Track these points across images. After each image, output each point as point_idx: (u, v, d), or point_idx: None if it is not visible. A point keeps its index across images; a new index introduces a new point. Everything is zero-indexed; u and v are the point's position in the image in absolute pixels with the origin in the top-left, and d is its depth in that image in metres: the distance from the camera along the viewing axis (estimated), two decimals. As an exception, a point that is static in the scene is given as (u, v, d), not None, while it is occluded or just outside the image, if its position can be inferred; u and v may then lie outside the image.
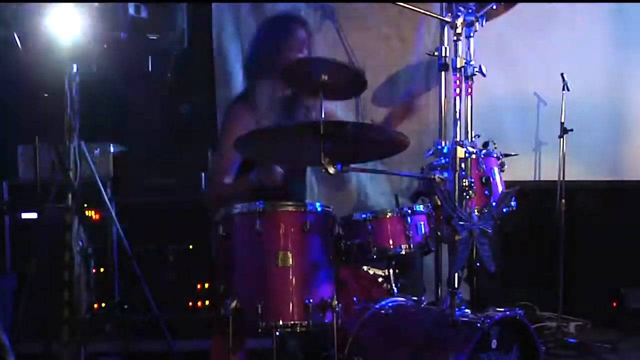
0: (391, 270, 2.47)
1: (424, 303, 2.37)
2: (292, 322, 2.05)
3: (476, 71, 2.22)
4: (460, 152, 2.15)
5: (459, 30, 2.20)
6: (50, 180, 3.02)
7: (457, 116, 2.21)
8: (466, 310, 2.10)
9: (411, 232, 2.40)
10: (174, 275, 3.53)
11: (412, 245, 2.41)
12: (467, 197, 2.15)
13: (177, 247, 3.54)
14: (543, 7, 4.23)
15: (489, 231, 2.12)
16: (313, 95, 2.12)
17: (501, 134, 3.12)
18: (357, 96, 2.73)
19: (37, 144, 2.97)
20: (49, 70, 2.77)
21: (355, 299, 2.37)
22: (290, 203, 2.13)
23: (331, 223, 2.19)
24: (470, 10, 2.20)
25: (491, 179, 2.46)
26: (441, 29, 2.48)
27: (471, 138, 2.26)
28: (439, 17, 2.34)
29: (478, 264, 2.15)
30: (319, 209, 2.15)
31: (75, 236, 2.77)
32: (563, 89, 3.83)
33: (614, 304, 4.20)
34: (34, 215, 3.39)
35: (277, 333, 2.08)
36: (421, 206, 2.49)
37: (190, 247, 3.55)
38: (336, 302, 2.07)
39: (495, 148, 2.57)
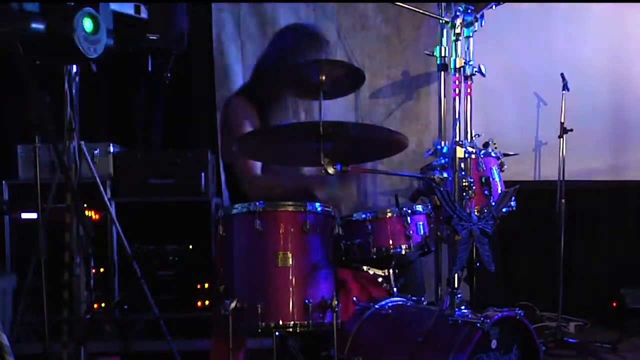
0: (391, 270, 2.47)
1: (424, 303, 2.38)
2: (292, 322, 2.05)
3: (475, 71, 2.22)
4: (460, 152, 2.15)
5: (458, 31, 2.21)
6: (50, 180, 3.01)
7: (457, 116, 2.22)
8: (466, 310, 2.10)
9: (411, 232, 2.41)
10: (174, 275, 3.53)
11: (412, 245, 2.41)
12: (467, 197, 2.15)
13: (177, 247, 3.54)
14: (543, 7, 4.24)
15: (489, 231, 2.12)
16: (313, 96, 2.12)
17: (501, 134, 3.12)
18: (356, 90, 2.74)
19: (37, 144, 2.96)
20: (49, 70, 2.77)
21: (355, 299, 2.37)
22: (290, 203, 2.13)
23: (331, 223, 2.19)
24: (469, 11, 2.20)
25: (491, 179, 2.46)
26: (440, 29, 2.48)
27: (471, 138, 2.26)
28: (438, 17, 2.35)
29: (478, 264, 2.15)
30: (319, 209, 2.15)
31: (75, 236, 2.77)
32: (563, 89, 3.83)
33: (614, 304, 4.20)
34: (34, 215, 3.39)
35: (277, 333, 2.08)
36: (421, 206, 2.49)
37: (190, 247, 3.55)
38: (336, 302, 2.07)
39: (495, 148, 2.57)
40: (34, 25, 2.43)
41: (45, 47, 2.54)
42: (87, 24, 2.56)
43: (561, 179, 3.84)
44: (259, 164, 2.71)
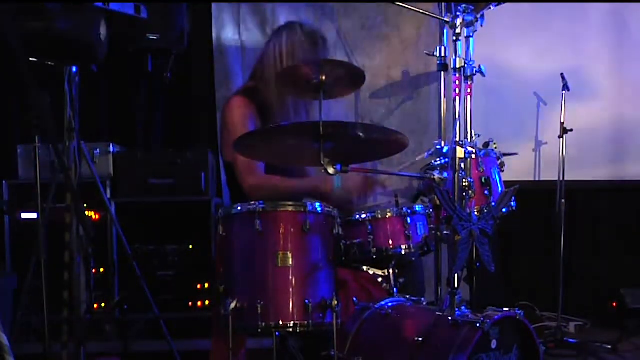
0: (391, 270, 2.47)
1: (424, 303, 2.38)
2: (292, 322, 2.05)
3: (476, 71, 2.22)
4: (460, 152, 2.15)
5: (458, 31, 2.21)
6: (50, 180, 3.02)
7: (457, 116, 2.21)
8: (466, 310, 2.10)
9: (411, 232, 2.41)
10: (174, 275, 3.53)
11: (411, 245, 2.41)
12: (467, 197, 2.15)
13: (177, 247, 3.54)
14: (543, 7, 4.24)
15: (489, 231, 2.12)
16: (313, 96, 2.12)
17: (501, 134, 3.12)
18: (356, 90, 2.74)
19: (37, 144, 2.97)
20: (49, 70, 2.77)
21: (355, 299, 2.37)
22: (290, 203, 2.13)
23: (331, 223, 2.19)
24: (469, 11, 2.20)
25: (491, 179, 2.46)
26: (440, 29, 2.48)
27: (471, 138, 2.26)
28: (438, 17, 2.34)
29: (478, 264, 2.15)
30: (319, 209, 2.14)
31: (75, 236, 2.77)
32: (563, 89, 3.83)
33: (614, 304, 4.20)
34: (34, 215, 3.39)
35: (277, 333, 2.08)
36: (421, 206, 2.49)
37: (190, 247, 3.55)
38: (336, 302, 2.07)
39: (495, 148, 2.57)
40: (59, 25, 2.44)
41: (57, 47, 2.56)
42: (102, 27, 2.59)
43: (561, 179, 3.85)
44: (261, 165, 2.71)
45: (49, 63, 2.68)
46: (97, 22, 2.57)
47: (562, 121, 3.84)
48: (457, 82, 2.21)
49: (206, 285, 3.52)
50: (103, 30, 2.62)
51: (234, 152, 2.32)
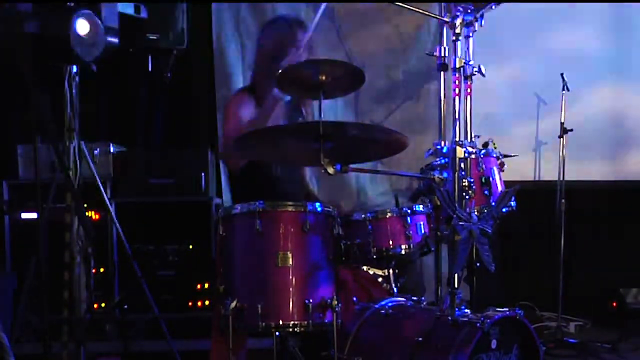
0: (391, 270, 2.47)
1: (424, 303, 2.38)
2: (292, 322, 2.05)
3: (475, 71, 2.22)
4: (460, 152, 2.15)
5: (457, 30, 2.21)
6: (50, 180, 3.02)
7: (457, 116, 2.21)
8: (466, 310, 2.10)
9: (411, 232, 2.41)
10: (174, 275, 3.53)
11: (412, 245, 2.41)
12: (467, 197, 2.15)
13: (177, 247, 3.54)
14: (543, 7, 4.24)
15: (489, 231, 2.12)
16: (312, 96, 2.12)
17: (501, 134, 3.13)
18: (356, 91, 2.74)
19: (37, 144, 2.97)
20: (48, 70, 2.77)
21: (355, 299, 2.37)
22: (290, 203, 2.13)
23: (331, 223, 2.19)
24: (469, 10, 2.20)
25: (491, 179, 2.46)
26: (440, 29, 2.48)
27: (471, 138, 2.26)
28: (438, 17, 2.34)
29: (478, 264, 2.15)
30: (319, 209, 2.14)
31: (75, 236, 2.77)
32: (563, 89, 3.83)
33: (614, 304, 4.20)
34: (34, 215, 3.39)
35: (277, 333, 2.08)
36: (421, 206, 2.49)
37: (190, 247, 3.55)
38: (336, 302, 2.07)
39: (495, 148, 2.57)
40: (27, 26, 2.43)
41: (43, 48, 2.54)
42: (82, 27, 2.54)
43: (561, 179, 3.85)
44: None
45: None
46: (71, 21, 2.54)
47: (562, 121, 3.84)
48: (457, 82, 2.21)
49: (206, 285, 3.52)
50: (83, 30, 2.58)
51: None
